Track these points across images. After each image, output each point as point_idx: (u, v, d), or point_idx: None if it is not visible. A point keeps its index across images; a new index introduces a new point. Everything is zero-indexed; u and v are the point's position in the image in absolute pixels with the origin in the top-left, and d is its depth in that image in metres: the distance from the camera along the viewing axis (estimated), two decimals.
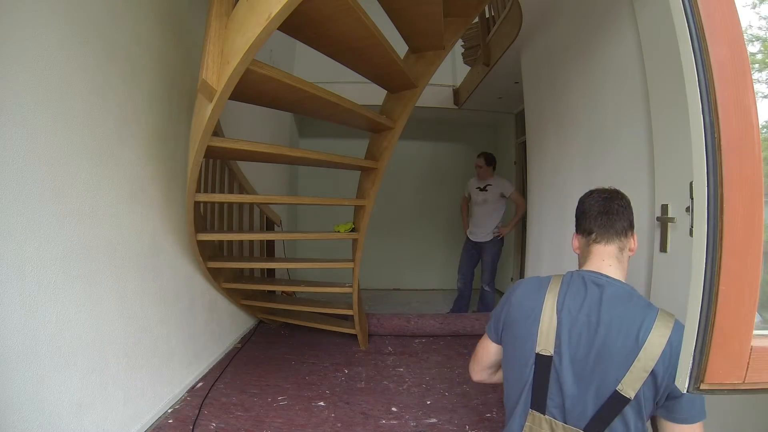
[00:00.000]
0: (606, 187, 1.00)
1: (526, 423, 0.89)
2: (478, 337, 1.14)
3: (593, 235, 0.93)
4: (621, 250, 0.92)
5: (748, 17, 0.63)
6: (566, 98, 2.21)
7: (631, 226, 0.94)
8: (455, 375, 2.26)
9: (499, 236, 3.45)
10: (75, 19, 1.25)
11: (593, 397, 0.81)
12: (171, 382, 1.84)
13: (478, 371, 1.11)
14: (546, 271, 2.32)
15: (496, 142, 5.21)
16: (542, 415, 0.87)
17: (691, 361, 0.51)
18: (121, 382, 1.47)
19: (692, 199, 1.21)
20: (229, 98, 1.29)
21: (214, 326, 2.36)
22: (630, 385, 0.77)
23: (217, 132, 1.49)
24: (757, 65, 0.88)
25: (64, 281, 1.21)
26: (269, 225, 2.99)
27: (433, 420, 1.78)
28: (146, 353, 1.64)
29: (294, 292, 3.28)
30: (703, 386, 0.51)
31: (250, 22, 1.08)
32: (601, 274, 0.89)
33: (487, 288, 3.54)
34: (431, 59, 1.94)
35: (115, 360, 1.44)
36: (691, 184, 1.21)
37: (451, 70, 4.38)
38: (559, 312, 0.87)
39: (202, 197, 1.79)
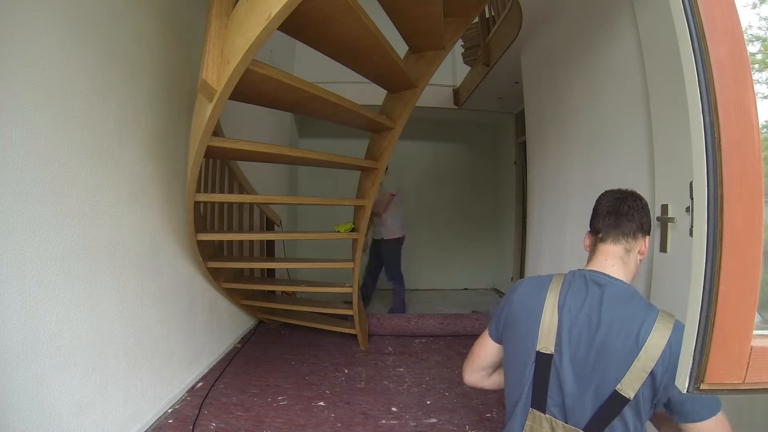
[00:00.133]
0: (624, 188, 0.98)
1: (527, 422, 0.89)
2: (478, 336, 1.14)
3: (600, 234, 0.94)
4: (627, 251, 0.91)
5: (748, 17, 0.63)
6: (566, 98, 2.21)
7: (642, 229, 0.92)
8: (455, 375, 2.26)
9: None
10: (75, 19, 1.25)
11: (592, 396, 0.81)
12: (171, 382, 1.84)
13: (472, 371, 1.09)
14: (546, 271, 2.32)
15: (496, 142, 5.22)
16: (543, 414, 0.87)
17: (691, 361, 0.51)
18: (121, 382, 1.47)
19: (692, 199, 1.21)
20: (229, 98, 1.29)
21: (214, 326, 2.36)
22: (629, 385, 0.77)
23: (217, 132, 1.49)
24: (757, 65, 0.88)
25: (64, 281, 1.21)
26: (269, 225, 2.99)
27: (433, 420, 1.78)
28: (146, 353, 1.64)
29: (294, 292, 3.28)
30: (703, 386, 0.51)
31: (250, 22, 1.08)
32: (603, 274, 0.89)
33: (392, 285, 3.73)
34: (431, 59, 1.94)
35: (115, 360, 1.44)
36: (691, 184, 1.21)
37: (451, 70, 4.38)
38: (560, 311, 0.87)
39: (202, 197, 1.79)
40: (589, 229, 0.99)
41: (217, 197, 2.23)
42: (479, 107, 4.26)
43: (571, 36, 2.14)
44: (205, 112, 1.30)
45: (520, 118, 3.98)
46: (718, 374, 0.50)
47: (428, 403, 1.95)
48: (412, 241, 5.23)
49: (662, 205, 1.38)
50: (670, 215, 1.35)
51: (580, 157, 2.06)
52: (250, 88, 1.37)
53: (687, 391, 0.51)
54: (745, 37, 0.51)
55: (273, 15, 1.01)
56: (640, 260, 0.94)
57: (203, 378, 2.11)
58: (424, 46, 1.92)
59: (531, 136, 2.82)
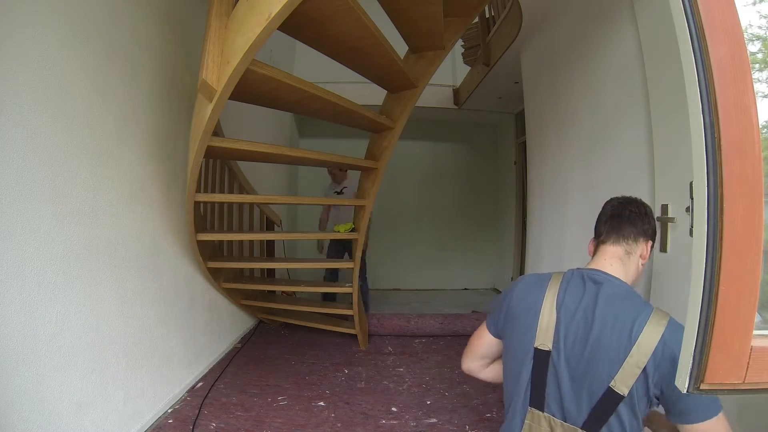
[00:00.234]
0: (628, 195, 1.00)
1: (526, 421, 0.89)
2: (476, 329, 1.14)
3: (602, 237, 0.96)
4: (628, 253, 0.92)
5: (748, 16, 0.63)
6: (566, 98, 2.21)
7: (645, 234, 0.93)
8: (455, 375, 2.26)
9: None
10: (75, 19, 1.25)
11: (588, 394, 0.82)
12: (171, 382, 1.84)
13: (470, 360, 1.11)
14: (546, 270, 2.32)
15: (496, 142, 5.22)
16: (541, 413, 0.87)
17: (691, 361, 0.51)
18: (121, 382, 1.47)
19: (692, 199, 1.21)
20: (229, 98, 1.29)
21: (214, 326, 2.36)
22: (623, 382, 0.77)
23: (217, 132, 1.49)
24: (757, 65, 0.88)
25: (64, 281, 1.21)
26: (269, 225, 2.99)
27: (433, 420, 1.78)
28: (146, 353, 1.64)
29: (294, 292, 3.28)
30: (703, 386, 0.51)
31: (250, 22, 1.08)
32: (600, 271, 0.90)
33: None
34: (431, 59, 1.94)
35: (115, 360, 1.44)
36: (691, 184, 1.21)
37: (451, 70, 4.38)
38: (558, 308, 0.87)
39: (202, 197, 1.79)
40: (593, 236, 1.01)
41: (217, 197, 2.23)
42: (479, 107, 4.26)
43: (571, 36, 2.14)
44: (205, 112, 1.30)
45: (520, 118, 3.98)
46: (718, 374, 0.50)
47: (428, 403, 1.95)
48: (412, 241, 5.26)
49: (662, 205, 1.38)
50: (670, 215, 1.35)
51: (580, 157, 2.06)
52: (250, 88, 1.37)
53: (687, 391, 0.51)
54: (745, 36, 0.51)
55: (273, 15, 1.01)
56: (642, 265, 0.94)
57: (203, 378, 2.11)
58: (424, 46, 1.92)
59: (531, 136, 2.82)
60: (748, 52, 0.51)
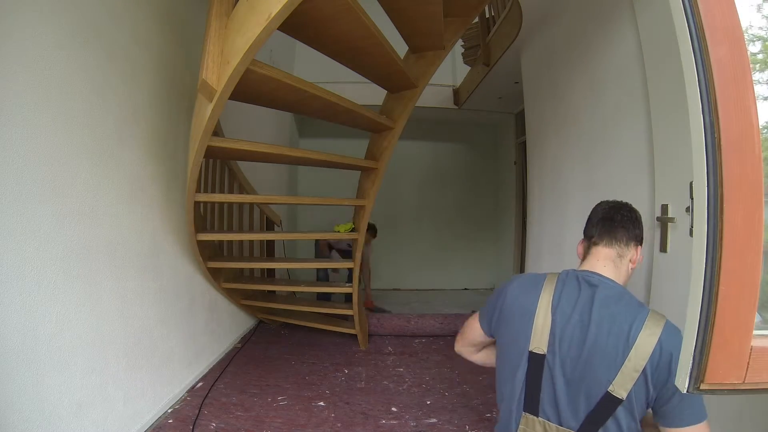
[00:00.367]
0: (619, 200, 1.00)
1: (520, 426, 0.89)
2: (468, 318, 1.16)
3: (593, 238, 0.95)
4: (620, 256, 0.92)
5: (749, 17, 0.63)
6: (566, 98, 2.21)
7: (636, 239, 0.94)
8: (455, 375, 2.26)
9: None
10: (75, 19, 1.25)
11: (585, 397, 0.81)
12: (171, 382, 1.84)
13: (462, 345, 1.16)
14: (545, 271, 2.32)
15: (496, 142, 5.22)
16: (536, 418, 0.87)
17: (691, 361, 0.51)
18: (121, 382, 1.47)
19: (692, 199, 1.21)
20: (229, 98, 1.29)
21: (214, 326, 2.36)
22: (622, 386, 0.77)
23: (217, 132, 1.49)
24: (758, 65, 0.88)
25: (64, 281, 1.21)
26: (269, 225, 2.99)
27: (433, 420, 1.78)
28: (146, 353, 1.64)
29: (294, 292, 3.28)
30: (703, 386, 0.51)
31: (250, 22, 1.08)
32: (595, 273, 0.90)
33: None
34: (431, 59, 1.94)
35: (115, 360, 1.44)
36: (691, 184, 1.20)
37: (451, 70, 4.38)
38: (553, 311, 0.87)
39: (202, 197, 1.79)
40: (582, 237, 1.00)
41: (217, 197, 2.23)
42: (479, 107, 4.26)
43: (571, 36, 2.14)
44: (205, 112, 1.30)
45: (520, 118, 3.98)
46: (718, 374, 0.50)
47: (428, 403, 1.95)
48: (412, 241, 5.25)
49: (662, 205, 1.38)
50: (670, 215, 1.35)
51: (580, 157, 2.06)
52: (250, 88, 1.37)
53: (687, 391, 0.51)
54: (746, 37, 0.51)
55: (273, 15, 1.01)
56: (632, 269, 0.95)
57: (203, 378, 2.11)
58: (424, 46, 1.92)
59: (531, 136, 2.82)
60: (748, 52, 0.51)
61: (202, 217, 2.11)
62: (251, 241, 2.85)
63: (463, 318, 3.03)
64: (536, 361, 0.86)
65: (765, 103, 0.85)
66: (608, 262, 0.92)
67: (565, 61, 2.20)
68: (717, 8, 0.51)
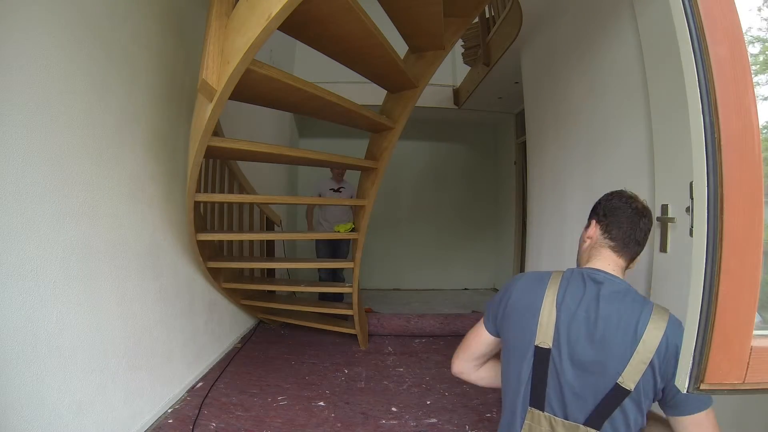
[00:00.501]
0: (639, 198, 0.98)
1: (526, 421, 0.89)
2: (472, 327, 1.12)
3: (613, 243, 0.94)
4: (622, 267, 0.95)
5: (749, 19, 0.63)
6: (566, 98, 2.21)
7: (639, 254, 0.96)
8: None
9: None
10: (75, 19, 1.25)
11: (593, 390, 0.82)
12: (171, 382, 1.84)
13: (462, 361, 1.08)
14: (546, 270, 2.31)
15: (496, 142, 5.22)
16: (541, 413, 0.87)
17: (691, 361, 0.51)
18: (121, 382, 1.47)
19: (692, 199, 1.20)
20: (229, 98, 1.29)
21: (214, 326, 2.36)
22: (630, 378, 0.79)
23: (217, 132, 1.49)
24: (757, 66, 0.88)
25: (64, 281, 1.21)
26: (269, 225, 2.99)
27: (433, 420, 1.78)
28: (146, 353, 1.64)
29: (294, 292, 3.28)
30: (703, 386, 0.51)
31: (250, 22, 1.08)
32: (600, 271, 0.91)
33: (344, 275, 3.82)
34: (431, 59, 1.94)
35: (115, 360, 1.44)
36: (691, 184, 1.20)
37: (451, 70, 4.38)
38: (558, 307, 0.88)
39: (202, 197, 1.79)
40: (596, 220, 0.97)
41: (217, 197, 2.23)
42: (479, 107, 4.26)
43: (571, 36, 2.14)
44: (205, 112, 1.30)
45: (520, 118, 3.98)
46: (718, 374, 0.50)
47: (428, 403, 1.95)
48: (412, 241, 5.26)
49: (662, 205, 1.38)
50: (670, 215, 1.35)
51: (580, 158, 2.06)
52: (250, 88, 1.37)
53: (687, 391, 0.52)
54: (746, 38, 0.51)
55: (273, 15, 1.01)
56: (631, 268, 0.98)
57: (203, 378, 2.11)
58: (424, 46, 1.92)
59: (531, 136, 2.82)
60: (748, 52, 0.51)
61: (202, 217, 2.11)
62: (251, 241, 2.85)
63: (463, 318, 3.04)
64: (542, 356, 0.87)
65: (765, 103, 0.86)
66: (616, 267, 0.94)
67: (565, 61, 2.20)
68: (717, 8, 0.51)
